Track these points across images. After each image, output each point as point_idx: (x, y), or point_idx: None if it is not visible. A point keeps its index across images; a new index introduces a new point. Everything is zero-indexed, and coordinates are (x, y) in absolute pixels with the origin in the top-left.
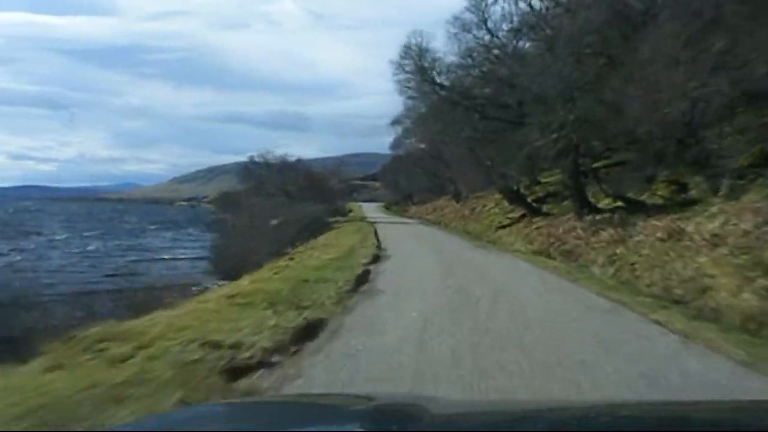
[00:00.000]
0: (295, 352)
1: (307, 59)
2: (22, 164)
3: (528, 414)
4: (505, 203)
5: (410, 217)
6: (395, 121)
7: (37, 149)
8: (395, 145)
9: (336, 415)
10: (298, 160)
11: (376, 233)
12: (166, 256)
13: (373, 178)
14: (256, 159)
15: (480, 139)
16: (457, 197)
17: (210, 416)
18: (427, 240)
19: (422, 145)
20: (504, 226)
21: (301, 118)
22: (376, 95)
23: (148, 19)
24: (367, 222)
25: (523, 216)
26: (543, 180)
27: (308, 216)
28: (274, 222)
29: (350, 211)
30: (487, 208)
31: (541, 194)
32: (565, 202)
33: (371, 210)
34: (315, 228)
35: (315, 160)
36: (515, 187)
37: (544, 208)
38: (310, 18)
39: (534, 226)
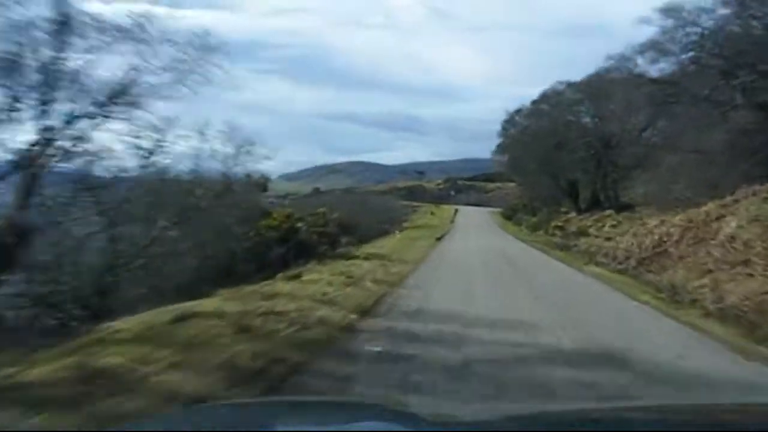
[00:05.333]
0: None
1: (426, 60)
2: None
3: (524, 417)
4: None
5: None
6: None
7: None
8: None
9: (337, 416)
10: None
11: None
12: None
13: (487, 178)
14: None
15: None
16: None
17: (211, 416)
18: None
19: None
20: None
21: (417, 119)
22: (494, 99)
23: (268, 15)
24: None
25: None
26: None
27: None
28: None
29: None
30: None
31: None
32: None
33: (466, 224)
34: None
35: (429, 163)
36: None
37: None
38: (431, 17)
39: None
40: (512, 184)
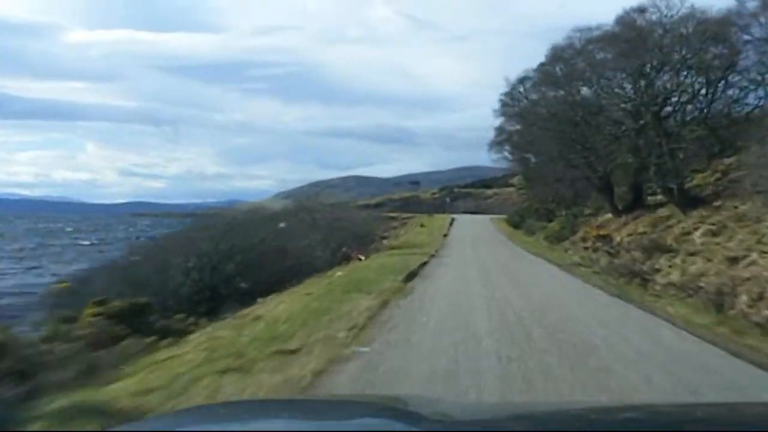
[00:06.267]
0: None
1: (412, 71)
2: (131, 181)
3: (526, 415)
4: None
5: None
6: None
7: (144, 166)
8: None
9: (337, 416)
10: None
11: None
12: None
13: (484, 184)
14: None
15: None
16: None
17: (209, 416)
18: None
19: None
20: None
21: (407, 131)
22: (485, 107)
23: (254, 34)
24: None
25: None
26: None
27: None
28: None
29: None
30: None
31: None
32: None
33: (464, 240)
34: None
35: (425, 173)
36: None
37: None
38: (411, 28)
39: None
40: (511, 189)
